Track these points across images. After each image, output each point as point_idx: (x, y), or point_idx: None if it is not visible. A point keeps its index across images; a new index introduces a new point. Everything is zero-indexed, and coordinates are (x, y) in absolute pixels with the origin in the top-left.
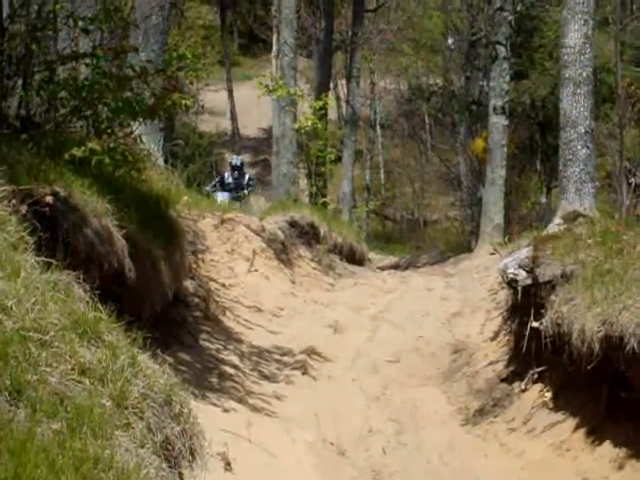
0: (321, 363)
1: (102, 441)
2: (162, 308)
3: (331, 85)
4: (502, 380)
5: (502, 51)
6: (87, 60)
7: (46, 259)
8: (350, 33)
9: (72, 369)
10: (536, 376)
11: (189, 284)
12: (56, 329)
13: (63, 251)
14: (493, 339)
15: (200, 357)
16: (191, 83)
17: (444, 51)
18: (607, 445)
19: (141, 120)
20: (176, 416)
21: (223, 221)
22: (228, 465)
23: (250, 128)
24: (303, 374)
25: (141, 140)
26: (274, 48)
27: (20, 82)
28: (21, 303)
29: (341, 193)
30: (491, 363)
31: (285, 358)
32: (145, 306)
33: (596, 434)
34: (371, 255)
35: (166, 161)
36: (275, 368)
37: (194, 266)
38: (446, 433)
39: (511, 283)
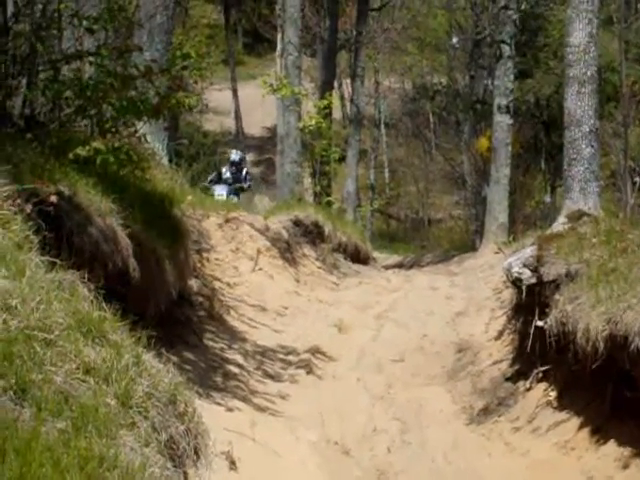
0: (325, 362)
1: (107, 440)
2: (166, 307)
3: (335, 84)
4: (507, 379)
5: (507, 50)
6: (91, 59)
7: (51, 258)
8: (354, 32)
9: (77, 368)
10: (541, 375)
11: (193, 283)
12: (61, 328)
13: (67, 250)
14: (497, 338)
15: (204, 356)
16: (195, 82)
17: (448, 50)
18: (612, 444)
19: (146, 119)
20: (181, 415)
21: (227, 220)
22: (233, 464)
23: (254, 127)
24: (307, 373)
25: (146, 139)
26: (278, 47)
27: (24, 81)
28: (26, 302)
29: (345, 192)
30: (495, 362)
31: (289, 357)
32: (150, 305)
33: (601, 433)
34: (375, 254)
35: (170, 160)
36: (279, 367)
37: (198, 265)
38: (450, 432)
39: (516, 282)
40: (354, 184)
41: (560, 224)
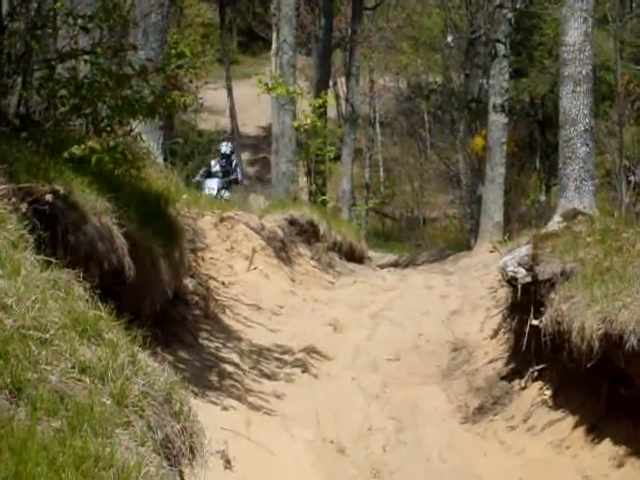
0: (321, 361)
1: (102, 439)
2: (162, 306)
3: (330, 83)
4: (502, 378)
5: (502, 49)
6: (86, 58)
7: (46, 257)
8: (349, 31)
9: (72, 367)
10: (536, 374)
11: (189, 282)
12: (56, 327)
13: (63, 249)
14: (493, 337)
15: (200, 355)
16: (190, 81)
17: (443, 49)
18: (607, 443)
19: (141, 118)
20: (176, 414)
21: (222, 219)
22: (228, 463)
23: (249, 126)
24: (303, 372)
25: (141, 138)
26: (273, 46)
27: (20, 80)
28: (21, 301)
29: (340, 191)
30: (491, 361)
31: (285, 356)
32: (145, 304)
33: (596, 432)
34: (371, 253)
35: (165, 159)
36: (275, 366)
37: (194, 264)
38: (446, 431)
39: (511, 281)
40: (349, 183)
41: (555, 223)
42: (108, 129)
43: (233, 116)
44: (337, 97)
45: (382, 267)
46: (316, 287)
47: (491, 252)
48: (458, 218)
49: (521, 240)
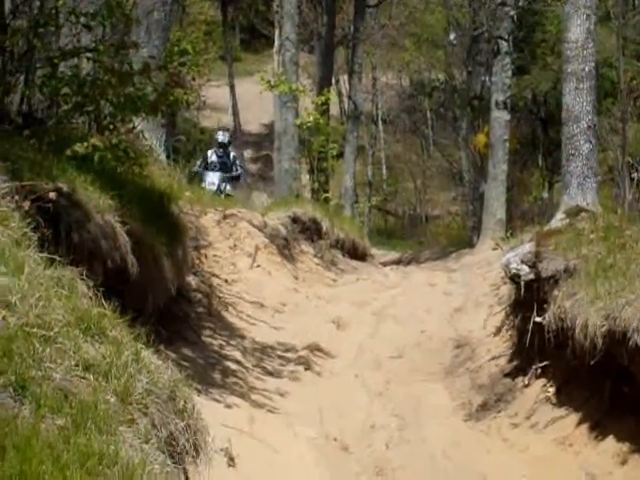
0: (324, 359)
1: (107, 437)
2: (165, 304)
3: (333, 80)
4: (505, 375)
5: (504, 46)
6: (89, 56)
7: (49, 255)
8: (352, 28)
9: (76, 365)
10: (539, 371)
11: (192, 280)
12: (60, 325)
13: (66, 247)
14: (496, 334)
15: (203, 353)
16: (193, 79)
17: (446, 46)
18: (610, 440)
19: (143, 116)
20: (180, 412)
21: (225, 217)
22: (231, 461)
23: (252, 124)
24: (306, 370)
25: (143, 136)
26: (276, 43)
27: (22, 78)
28: (25, 299)
29: (343, 188)
30: (494, 358)
31: (288, 354)
32: (148, 302)
33: (599, 429)
34: (373, 250)
35: (168, 157)
36: (278, 364)
37: (197, 262)
38: (449, 428)
39: (514, 278)
40: (352, 180)
41: (558, 220)
42: (111, 127)
43: (235, 114)
44: (340, 94)
45: (385, 265)
46: (319, 284)
47: (494, 249)
48: (460, 215)
49: (524, 237)
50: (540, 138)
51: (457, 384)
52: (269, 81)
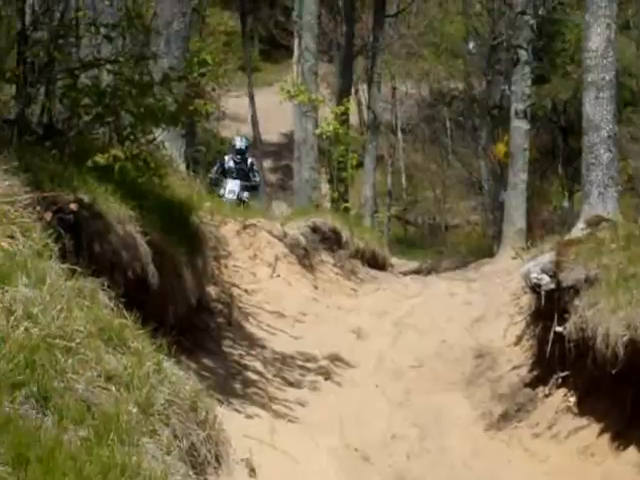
0: (344, 369)
1: (129, 448)
2: (185, 314)
3: (352, 90)
4: (526, 385)
5: (524, 55)
6: (109, 67)
7: (71, 266)
8: (371, 38)
9: (98, 376)
10: (560, 381)
11: (212, 290)
12: (82, 336)
13: (87, 258)
14: (516, 344)
15: (223, 363)
16: (213, 89)
17: (465, 55)
18: (632, 450)
19: (164, 127)
20: (202, 422)
21: (245, 227)
22: (252, 471)
23: (271, 133)
24: (326, 380)
25: (164, 146)
26: (295, 54)
27: (43, 89)
28: (47, 310)
29: (363, 198)
30: (514, 368)
31: (308, 364)
32: (168, 312)
33: (621, 439)
34: (393, 260)
35: (188, 167)
36: (298, 374)
37: (217, 272)
38: (470, 438)
39: (534, 288)
40: (371, 190)
41: (579, 229)
42: (131, 137)
43: (255, 123)
44: (359, 104)
45: (405, 274)
46: (339, 294)
47: (514, 259)
48: (480, 225)
49: (544, 247)
50: (560, 147)
51: (478, 394)
52: (289, 91)
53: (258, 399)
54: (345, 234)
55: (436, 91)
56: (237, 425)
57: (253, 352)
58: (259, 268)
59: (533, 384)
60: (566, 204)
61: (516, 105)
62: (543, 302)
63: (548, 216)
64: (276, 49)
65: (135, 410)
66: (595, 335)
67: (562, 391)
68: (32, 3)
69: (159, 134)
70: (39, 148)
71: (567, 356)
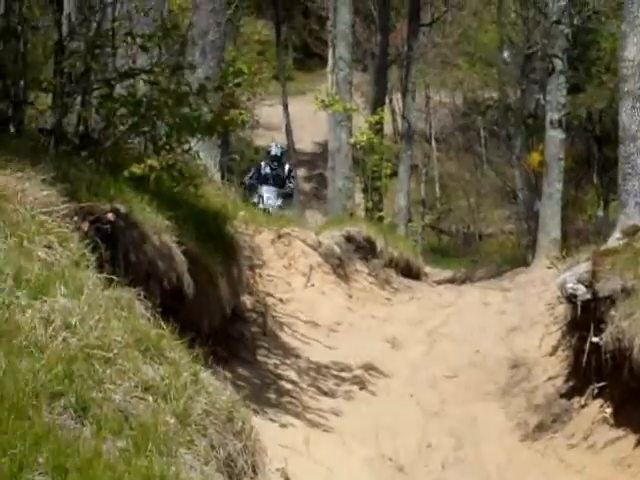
0: (379, 378)
1: (167, 458)
2: (220, 324)
3: (386, 99)
4: (561, 395)
5: (559, 64)
6: (145, 77)
7: (108, 276)
8: (405, 47)
9: (136, 386)
10: (596, 391)
11: (247, 299)
12: (119, 346)
13: (124, 268)
14: (552, 354)
15: (258, 373)
16: (248, 99)
17: (499, 64)
18: None
19: (199, 137)
20: (238, 433)
21: (280, 236)
22: None
23: (305, 142)
24: (361, 389)
25: (198, 156)
26: (329, 63)
27: (79, 99)
28: (85, 320)
29: (397, 207)
30: (550, 378)
31: (343, 373)
32: (204, 322)
33: None
34: (427, 269)
35: (222, 176)
36: (333, 383)
37: (251, 281)
38: (505, 449)
39: (570, 298)
40: (406, 199)
41: (615, 239)
42: (167, 147)
43: (289, 132)
44: (393, 113)
45: (439, 283)
46: (373, 304)
47: (549, 268)
48: (515, 234)
49: (580, 256)
50: (595, 156)
51: (513, 404)
52: (323, 100)
53: (293, 408)
54: (379, 243)
55: (470, 100)
56: (272, 434)
57: (287, 361)
58: (293, 277)
59: (569, 395)
60: (601, 213)
61: (551, 114)
62: (579, 312)
63: (583, 225)
64: (310, 58)
65: (173, 420)
66: (632, 345)
67: (598, 402)
68: (69, 14)
69: (195, 144)
70: (75, 158)
71: (603, 367)
